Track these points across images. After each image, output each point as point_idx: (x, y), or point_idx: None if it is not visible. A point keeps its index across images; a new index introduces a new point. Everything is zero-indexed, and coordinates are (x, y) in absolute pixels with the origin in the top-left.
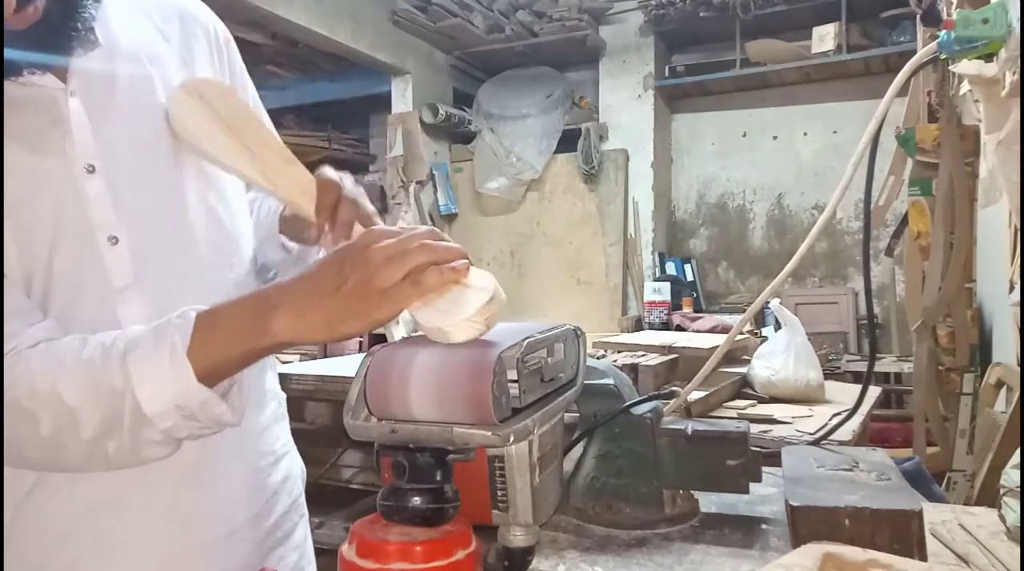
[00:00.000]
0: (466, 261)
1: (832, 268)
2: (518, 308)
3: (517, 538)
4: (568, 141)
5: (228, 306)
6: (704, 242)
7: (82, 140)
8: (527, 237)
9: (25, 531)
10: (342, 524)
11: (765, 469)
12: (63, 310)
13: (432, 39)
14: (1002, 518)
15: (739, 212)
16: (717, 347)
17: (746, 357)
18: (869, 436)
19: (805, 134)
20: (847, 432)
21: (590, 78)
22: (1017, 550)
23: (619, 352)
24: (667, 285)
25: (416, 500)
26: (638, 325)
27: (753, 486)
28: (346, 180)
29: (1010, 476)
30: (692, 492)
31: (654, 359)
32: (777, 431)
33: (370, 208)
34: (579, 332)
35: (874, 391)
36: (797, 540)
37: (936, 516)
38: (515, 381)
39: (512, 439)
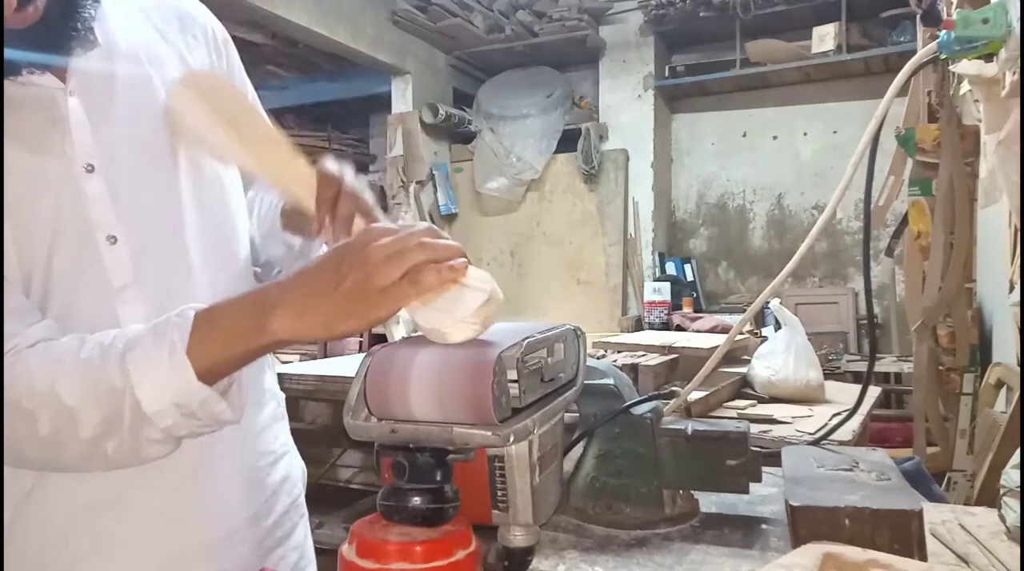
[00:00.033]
0: (464, 260)
1: (832, 268)
2: (518, 308)
3: (517, 538)
4: (568, 141)
5: (227, 305)
6: (704, 242)
7: (81, 140)
8: (527, 237)
9: (25, 531)
10: (342, 524)
11: (765, 469)
12: (62, 310)
13: (432, 39)
14: (1002, 518)
15: (739, 212)
16: (717, 347)
17: (746, 357)
18: (869, 436)
19: (805, 134)
20: (847, 432)
21: (590, 78)
22: (1017, 550)
23: (619, 352)
24: (667, 285)
25: (416, 500)
26: (638, 325)
27: (753, 486)
28: (347, 173)
29: (1010, 476)
30: (692, 492)
31: (654, 359)
32: (777, 431)
33: (371, 201)
34: (579, 332)
35: (874, 391)
36: (797, 540)
37: (936, 516)
38: (515, 381)
39: (512, 439)
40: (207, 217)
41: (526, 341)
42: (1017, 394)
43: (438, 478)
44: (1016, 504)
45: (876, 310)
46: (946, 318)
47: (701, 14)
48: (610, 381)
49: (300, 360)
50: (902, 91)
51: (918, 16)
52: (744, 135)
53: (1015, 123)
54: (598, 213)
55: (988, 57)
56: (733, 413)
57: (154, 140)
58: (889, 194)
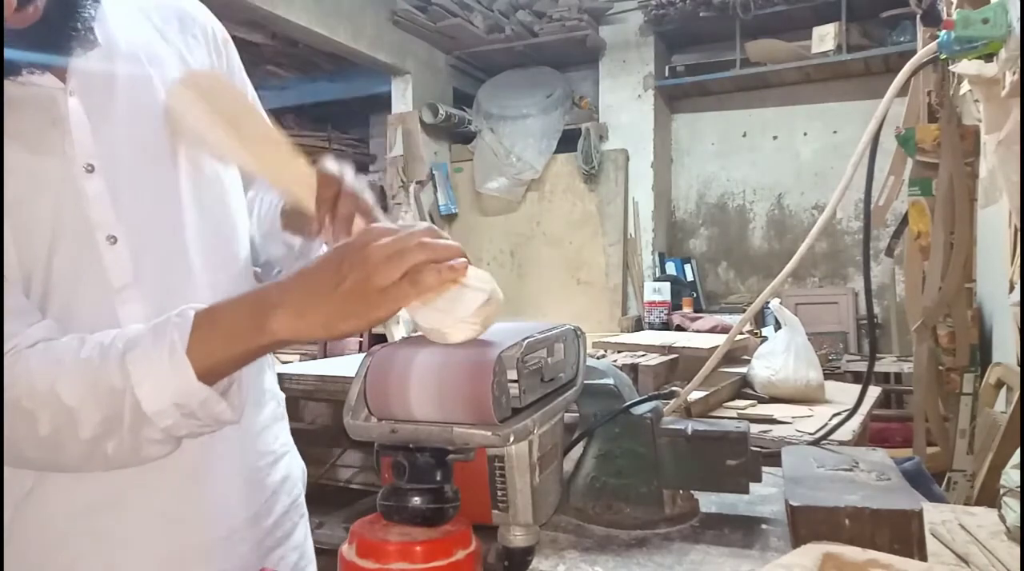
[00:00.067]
0: (464, 260)
1: (832, 268)
2: (518, 308)
3: (517, 538)
4: (568, 141)
5: (227, 305)
6: (704, 242)
7: (81, 140)
8: (527, 237)
9: (25, 531)
10: (342, 524)
11: (765, 469)
12: (62, 310)
13: (432, 39)
14: (1002, 518)
15: (739, 212)
16: (717, 347)
17: (746, 357)
18: (869, 436)
19: (805, 134)
20: (847, 432)
21: (590, 78)
22: (1017, 550)
23: (619, 352)
24: (667, 285)
25: (416, 500)
26: (638, 325)
27: (753, 486)
28: (347, 173)
29: (1010, 476)
30: (692, 492)
31: (654, 359)
32: (777, 431)
33: (371, 201)
34: (579, 332)
35: (874, 391)
36: (797, 540)
37: (936, 516)
38: (515, 381)
39: (512, 439)
40: (207, 217)
41: (526, 341)
42: (1017, 394)
43: (438, 478)
44: (1016, 504)
45: (876, 310)
46: (946, 318)
47: (701, 14)
48: (610, 381)
49: (300, 360)
50: (902, 91)
51: (918, 16)
52: (744, 135)
53: (1015, 123)
54: (598, 213)
55: (988, 57)
56: (733, 413)
57: (154, 140)
58: (889, 194)
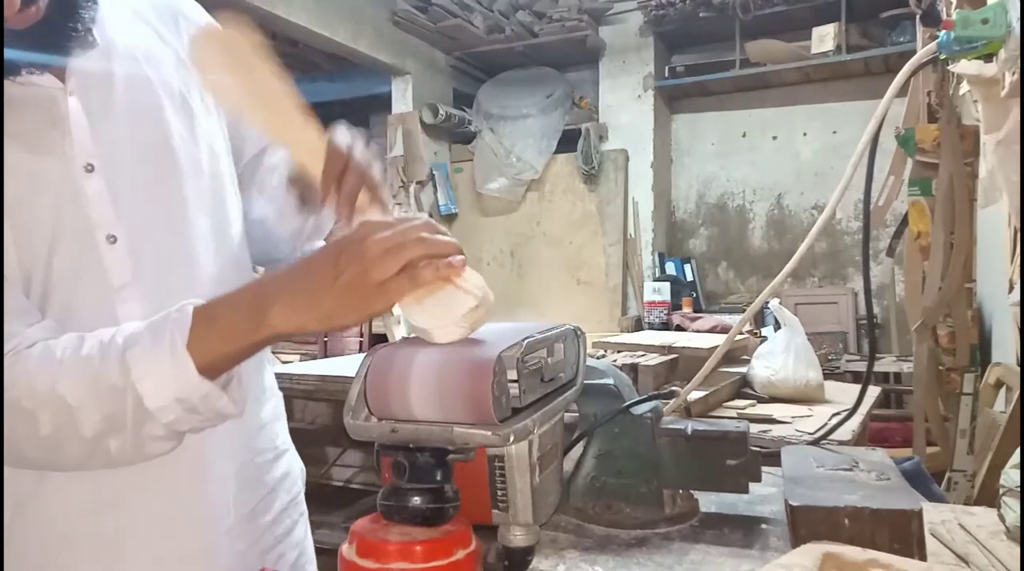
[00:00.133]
0: (463, 257)
1: (832, 268)
2: (518, 308)
3: (517, 538)
4: (568, 141)
5: (225, 299)
6: (704, 242)
7: (81, 139)
8: (527, 237)
9: (25, 531)
10: (342, 524)
11: (765, 469)
12: (62, 309)
13: (432, 39)
14: (1001, 518)
15: (739, 212)
16: (717, 347)
17: (746, 357)
18: (869, 436)
19: (805, 134)
20: (847, 432)
21: (590, 78)
22: (1017, 550)
23: (619, 352)
24: (667, 285)
25: (416, 500)
26: (638, 325)
27: (753, 486)
28: (357, 145)
29: (1009, 476)
30: (692, 492)
31: (654, 359)
32: (777, 431)
33: (378, 176)
34: (579, 332)
35: (873, 391)
36: (797, 540)
37: (936, 516)
38: (515, 381)
39: (512, 439)
40: (206, 216)
41: (526, 341)
42: (1017, 394)
43: (438, 478)
44: (1016, 504)
45: (875, 310)
46: (946, 318)
47: (701, 14)
48: (610, 381)
49: (300, 360)
50: (902, 91)
51: (918, 16)
52: (744, 135)
53: (1014, 123)
54: (598, 213)
55: (988, 57)
56: (733, 413)
57: (153, 140)
58: (889, 194)
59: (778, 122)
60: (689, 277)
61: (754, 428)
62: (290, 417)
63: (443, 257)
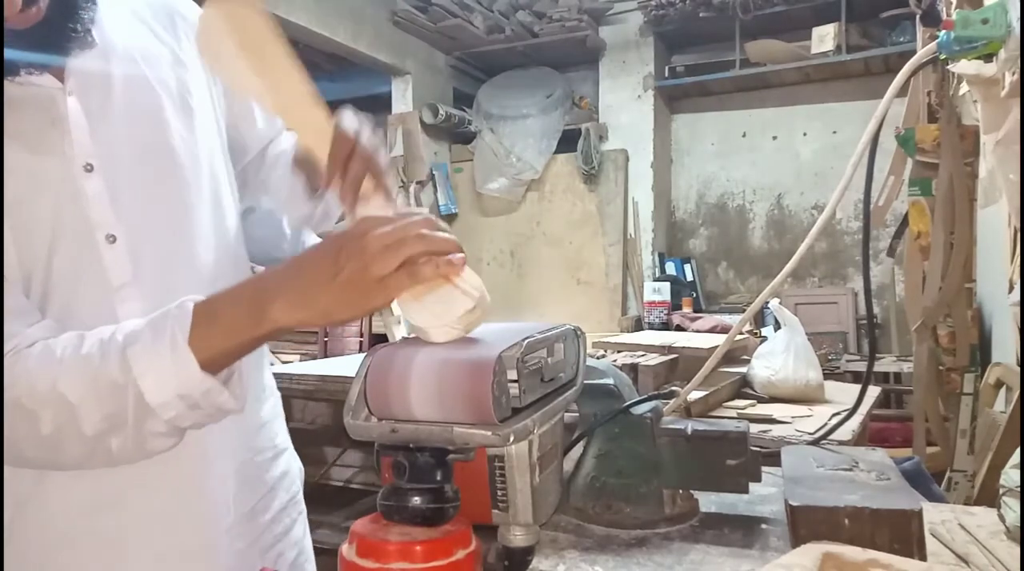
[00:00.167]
0: (462, 255)
1: (832, 268)
2: (518, 308)
3: (517, 538)
4: (568, 141)
5: (225, 295)
6: (704, 242)
7: (80, 139)
8: (527, 237)
9: (25, 530)
10: (342, 524)
11: (765, 469)
12: (62, 309)
13: (432, 39)
14: (1001, 518)
15: (739, 212)
16: (717, 347)
17: (746, 357)
18: (869, 436)
19: (805, 134)
20: (846, 432)
21: (590, 78)
22: (1017, 550)
23: (619, 352)
24: (667, 285)
25: (416, 500)
26: (638, 325)
27: (753, 486)
28: (364, 131)
29: (1009, 476)
30: (692, 492)
31: (654, 359)
32: (777, 431)
33: (384, 163)
34: (579, 332)
35: (873, 391)
36: (797, 540)
37: (936, 516)
38: (515, 381)
39: (512, 439)
40: (205, 214)
41: (526, 341)
42: (1017, 394)
43: (438, 478)
44: (1016, 504)
45: (875, 310)
46: (946, 318)
47: (701, 14)
48: (610, 381)
49: (300, 360)
50: (902, 91)
51: (918, 16)
52: (744, 135)
53: (1013, 123)
54: (598, 213)
55: (987, 57)
56: (733, 413)
57: (152, 139)
58: (889, 194)
59: (778, 122)
60: (689, 277)
61: (754, 428)
62: (290, 417)
63: (443, 254)
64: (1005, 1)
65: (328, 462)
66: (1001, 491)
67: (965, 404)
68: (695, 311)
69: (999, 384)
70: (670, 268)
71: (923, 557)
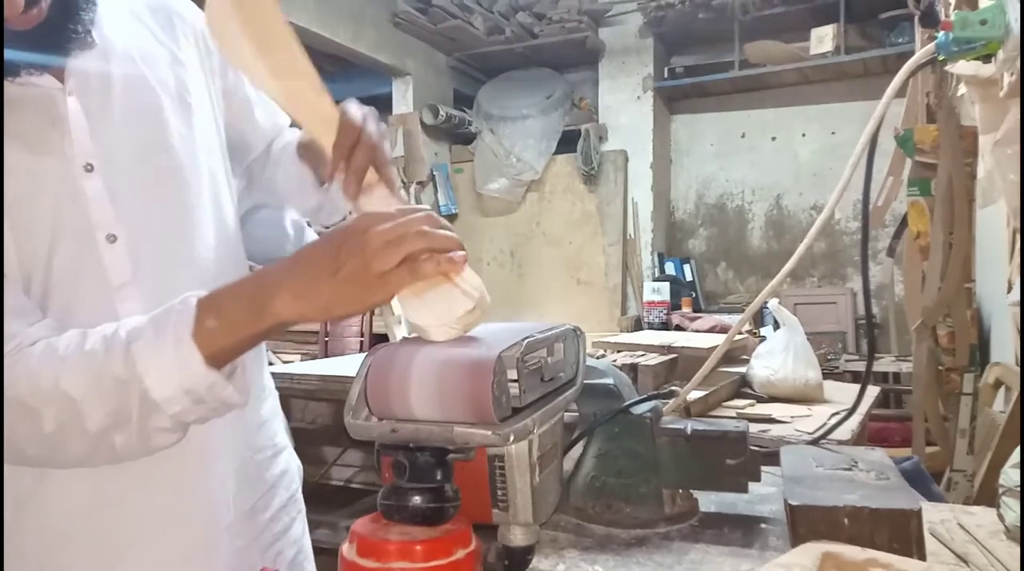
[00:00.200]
0: (463, 253)
1: (831, 268)
2: (518, 308)
3: (517, 537)
4: (568, 142)
5: (227, 290)
6: (703, 242)
7: (80, 140)
8: (527, 237)
9: (25, 530)
10: (342, 523)
11: (764, 468)
12: (62, 309)
13: (432, 40)
14: (1000, 517)
15: (738, 212)
16: (716, 347)
17: (745, 357)
18: (868, 436)
19: (804, 135)
20: (846, 431)
21: (589, 79)
22: (1016, 549)
23: (618, 352)
24: (666, 285)
25: (416, 499)
26: (637, 325)
27: (752, 485)
28: (369, 121)
29: (1009, 475)
30: (691, 491)
31: (653, 359)
32: (776, 430)
33: (388, 155)
34: (579, 332)
35: (873, 391)
36: (796, 539)
37: (935, 515)
38: (515, 381)
39: (512, 438)
40: (205, 213)
41: (526, 341)
42: (1016, 393)
43: (438, 477)
44: (1015, 503)
45: (875, 310)
46: (945, 318)
47: (700, 16)
48: (610, 381)
49: (301, 360)
50: (900, 92)
51: (916, 17)
52: (743, 136)
53: (1011, 124)
54: (598, 213)
55: (986, 58)
56: (732, 412)
57: (152, 139)
58: (888, 194)
59: (777, 123)
60: (688, 277)
61: (753, 428)
62: (291, 417)
63: (444, 251)
64: (1004, 2)
65: (328, 462)
66: (1000, 491)
67: (964, 404)
68: (694, 311)
69: (998, 384)
70: (669, 268)
71: (922, 557)
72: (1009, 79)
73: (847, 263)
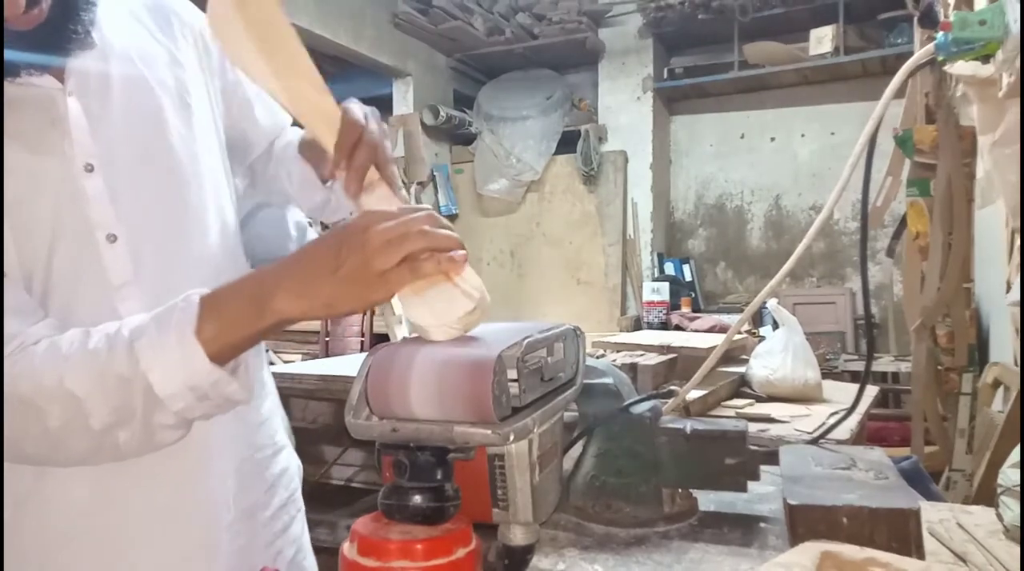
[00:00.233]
0: (464, 252)
1: (830, 268)
2: (518, 308)
3: (517, 536)
4: (567, 142)
5: (229, 288)
6: (702, 242)
7: (80, 139)
8: (527, 237)
9: (25, 528)
10: (343, 523)
11: (763, 468)
12: (62, 309)
13: (433, 41)
14: (999, 517)
15: (737, 213)
16: (715, 347)
17: (744, 356)
18: (867, 435)
19: (803, 135)
20: (845, 431)
21: (589, 80)
22: (1015, 549)
23: (618, 352)
24: (666, 285)
25: (417, 499)
26: (637, 325)
27: (751, 485)
28: (371, 120)
29: (1007, 475)
30: (691, 491)
31: (653, 358)
32: (775, 430)
33: (389, 153)
34: (579, 332)
35: (872, 390)
36: (795, 539)
37: (934, 515)
38: (515, 380)
39: (512, 438)
40: (205, 213)
41: (526, 341)
42: (1015, 393)
43: (439, 477)
44: (1014, 503)
45: (874, 310)
46: (945, 318)
47: (700, 17)
48: (609, 380)
49: (302, 359)
50: (899, 92)
51: (915, 18)
52: (742, 137)
53: (1009, 125)
54: (597, 214)
55: (985, 58)
56: (731, 412)
57: (151, 139)
58: (887, 195)
59: (776, 123)
60: (688, 277)
61: (752, 427)
62: (291, 416)
63: (445, 250)
64: (1003, 2)
65: (329, 461)
66: (999, 490)
67: (963, 403)
68: (694, 311)
69: (997, 383)
70: (669, 268)
71: (921, 556)
72: (1008, 79)
73: (846, 263)
